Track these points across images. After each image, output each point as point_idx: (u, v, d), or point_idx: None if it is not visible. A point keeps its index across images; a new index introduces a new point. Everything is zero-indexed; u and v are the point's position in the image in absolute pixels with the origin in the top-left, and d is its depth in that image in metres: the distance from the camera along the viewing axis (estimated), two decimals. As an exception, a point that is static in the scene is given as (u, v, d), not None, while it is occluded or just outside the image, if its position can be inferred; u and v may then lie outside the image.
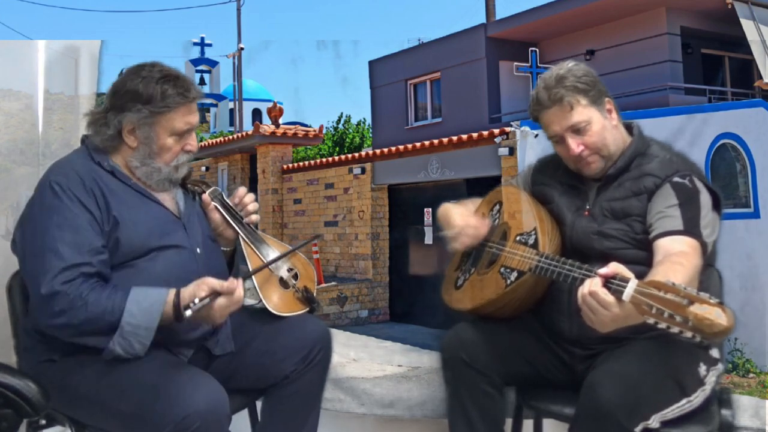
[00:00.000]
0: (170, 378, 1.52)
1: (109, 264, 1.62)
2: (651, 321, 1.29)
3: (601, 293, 1.37)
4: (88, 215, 1.61)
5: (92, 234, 1.60)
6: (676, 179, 1.66)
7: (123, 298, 1.53)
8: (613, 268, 1.39)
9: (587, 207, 1.79)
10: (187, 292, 1.55)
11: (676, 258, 1.50)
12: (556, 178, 1.87)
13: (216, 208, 1.87)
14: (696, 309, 1.23)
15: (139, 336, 1.53)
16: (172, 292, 1.55)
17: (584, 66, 1.78)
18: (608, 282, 1.38)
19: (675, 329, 1.25)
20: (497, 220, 1.93)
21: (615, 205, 1.73)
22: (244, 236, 1.88)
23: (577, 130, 1.73)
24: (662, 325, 1.27)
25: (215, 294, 1.54)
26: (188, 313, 1.50)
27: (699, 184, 1.66)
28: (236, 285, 1.57)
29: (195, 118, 1.75)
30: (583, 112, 1.73)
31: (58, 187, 1.62)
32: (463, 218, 1.89)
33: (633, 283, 1.34)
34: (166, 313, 1.54)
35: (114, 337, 1.52)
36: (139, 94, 1.66)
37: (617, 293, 1.36)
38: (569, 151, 1.75)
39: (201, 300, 1.52)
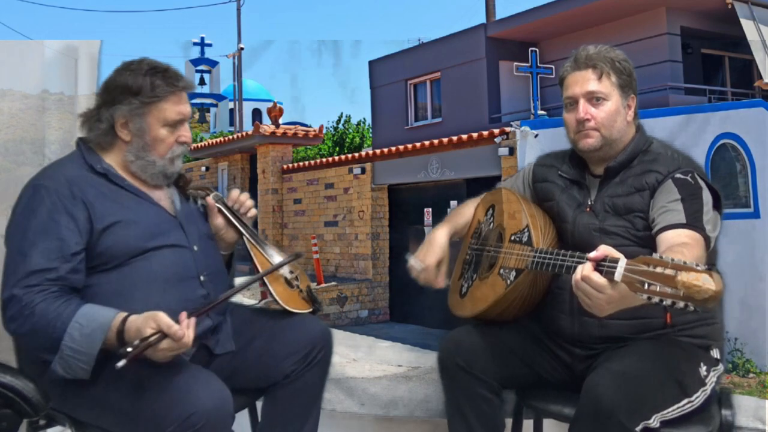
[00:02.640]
0: (174, 376, 1.51)
1: (82, 272, 1.58)
2: (644, 297, 1.29)
3: (593, 277, 1.38)
4: (69, 220, 1.58)
5: (67, 241, 1.56)
6: (679, 175, 1.67)
7: (69, 315, 1.48)
8: (602, 250, 1.40)
9: (589, 203, 1.79)
10: (135, 323, 1.47)
11: (677, 248, 1.51)
12: (558, 173, 1.88)
13: (220, 210, 1.88)
14: (684, 277, 1.24)
15: (79, 361, 1.48)
16: (120, 317, 1.49)
17: (627, 58, 1.84)
18: (599, 265, 1.39)
19: (668, 301, 1.26)
20: (491, 224, 1.94)
21: (617, 200, 1.73)
22: (248, 237, 1.89)
23: (593, 99, 1.76)
24: (656, 299, 1.28)
25: (162, 335, 1.44)
26: (121, 363, 1.38)
27: (701, 182, 1.67)
28: (185, 332, 1.45)
29: (186, 108, 1.75)
30: (608, 86, 1.77)
31: (43, 190, 1.61)
32: (429, 259, 1.91)
33: (623, 262, 1.35)
34: (109, 339, 1.47)
35: (55, 358, 1.48)
36: (128, 87, 1.68)
37: (609, 275, 1.37)
38: (577, 114, 1.77)
39: (143, 340, 1.42)
